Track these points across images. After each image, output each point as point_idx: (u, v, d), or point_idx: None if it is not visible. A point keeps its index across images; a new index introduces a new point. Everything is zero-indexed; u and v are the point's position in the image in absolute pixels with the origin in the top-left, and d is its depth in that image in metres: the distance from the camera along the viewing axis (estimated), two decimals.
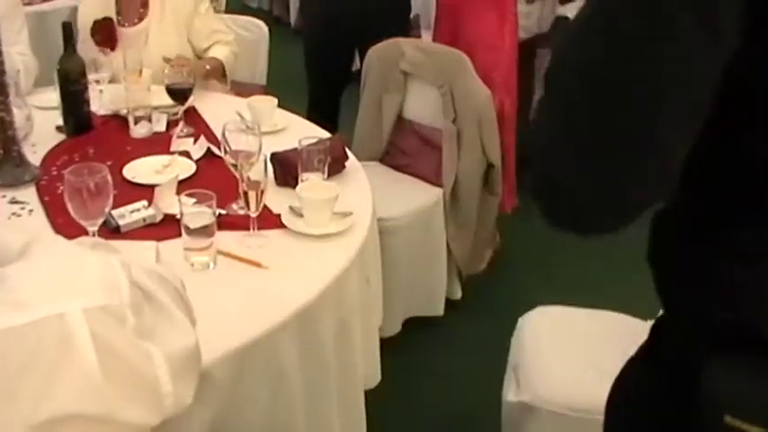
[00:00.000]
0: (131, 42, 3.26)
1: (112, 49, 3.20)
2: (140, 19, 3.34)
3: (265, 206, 2.12)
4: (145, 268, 1.18)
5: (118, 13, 3.33)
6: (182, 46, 3.34)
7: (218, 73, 3.38)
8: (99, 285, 0.97)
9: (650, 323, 2.49)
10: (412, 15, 4.53)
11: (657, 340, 1.31)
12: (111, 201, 1.94)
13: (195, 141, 2.68)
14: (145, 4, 3.34)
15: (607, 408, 1.40)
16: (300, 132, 2.61)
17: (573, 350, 2.38)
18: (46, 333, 0.88)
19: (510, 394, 2.31)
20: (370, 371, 2.31)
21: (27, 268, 0.96)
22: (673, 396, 1.11)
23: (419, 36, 5.13)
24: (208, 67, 3.29)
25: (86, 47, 3.16)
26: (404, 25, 4.05)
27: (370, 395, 2.26)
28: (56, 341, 0.88)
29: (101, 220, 1.96)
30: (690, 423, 1.02)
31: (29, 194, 2.34)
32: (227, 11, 5.06)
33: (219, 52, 3.39)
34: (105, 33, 3.22)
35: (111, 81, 3.03)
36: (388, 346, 2.57)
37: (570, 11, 4.19)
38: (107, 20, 3.26)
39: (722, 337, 1.02)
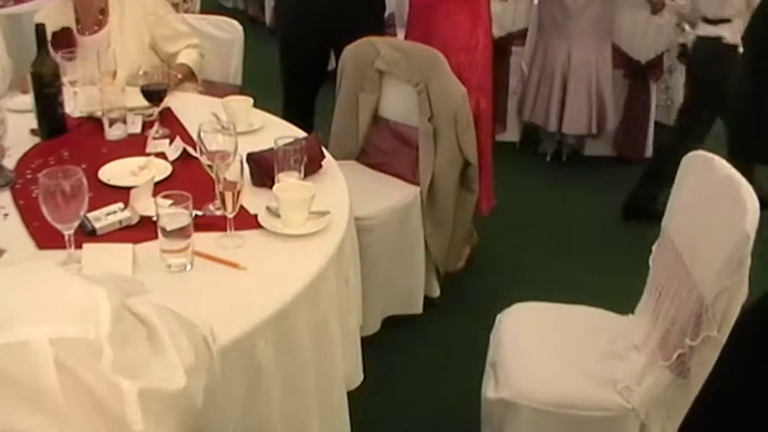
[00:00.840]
0: (91, 51, 3.14)
1: (73, 59, 3.07)
2: (99, 26, 3.32)
3: (242, 207, 2.11)
4: (157, 304, 1.17)
5: (77, 21, 3.32)
6: (143, 51, 3.34)
7: (188, 76, 3.41)
8: (74, 315, 0.93)
9: (628, 318, 2.52)
10: (387, 14, 4.53)
11: None
12: (86, 204, 1.92)
13: (171, 143, 2.67)
14: (103, 11, 3.33)
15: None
16: (276, 132, 2.60)
17: (551, 346, 2.39)
18: (11, 357, 0.86)
19: (489, 391, 2.32)
20: (351, 371, 2.32)
21: (5, 285, 0.94)
22: None
23: (394, 34, 5.14)
24: (180, 76, 3.30)
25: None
26: (379, 24, 4.05)
27: (350, 395, 2.26)
28: (20, 366, 0.86)
29: (76, 224, 1.94)
30: None
31: (4, 198, 2.33)
32: (203, 11, 5.06)
33: (187, 57, 3.41)
34: (64, 43, 3.19)
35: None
36: (368, 345, 2.57)
37: (722, 31, 4.11)
38: (65, 30, 3.25)
39: None
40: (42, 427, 0.82)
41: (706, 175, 2.16)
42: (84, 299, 0.95)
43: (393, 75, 3.39)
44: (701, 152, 2.25)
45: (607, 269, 3.83)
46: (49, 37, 3.06)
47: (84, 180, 1.90)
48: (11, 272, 0.96)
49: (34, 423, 0.82)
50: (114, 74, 2.92)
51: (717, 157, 2.16)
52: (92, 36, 3.31)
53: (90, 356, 0.89)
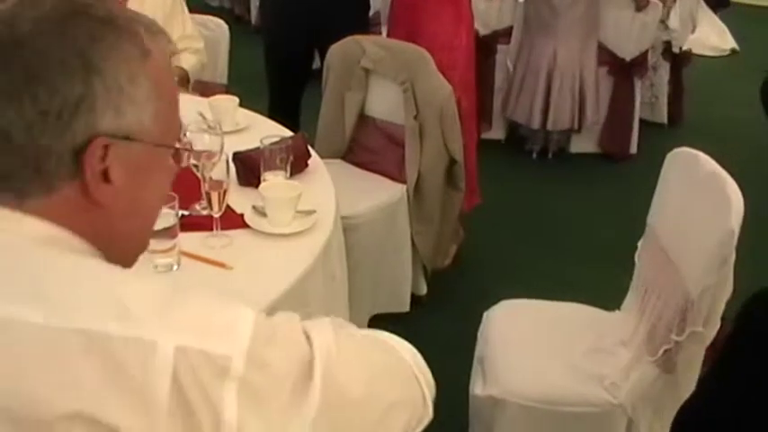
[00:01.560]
0: None
1: None
2: None
3: (228, 206, 2.11)
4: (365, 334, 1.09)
5: None
6: None
7: (183, 81, 3.40)
8: (210, 328, 0.86)
9: (615, 314, 2.53)
10: (372, 12, 4.53)
11: None
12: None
13: None
14: (122, 2, 3.33)
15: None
16: (262, 131, 2.60)
17: (538, 342, 2.40)
18: (132, 351, 0.83)
19: (477, 388, 2.33)
20: None
21: (154, 289, 0.89)
22: None
23: (380, 33, 5.13)
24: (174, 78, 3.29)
25: None
26: (364, 23, 4.05)
27: None
28: (137, 363, 0.83)
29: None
30: None
31: None
32: (189, 10, 5.03)
33: (186, 62, 3.43)
34: None
35: None
36: None
37: None
38: None
39: None
40: (132, 428, 0.81)
41: (691, 172, 2.17)
42: (228, 315, 0.89)
43: (379, 73, 3.39)
44: (684, 148, 2.26)
45: (593, 266, 3.84)
46: None
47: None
48: (167, 281, 0.93)
49: (126, 421, 0.80)
50: None
51: (701, 154, 2.17)
52: None
53: (211, 374, 0.83)
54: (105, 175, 0.91)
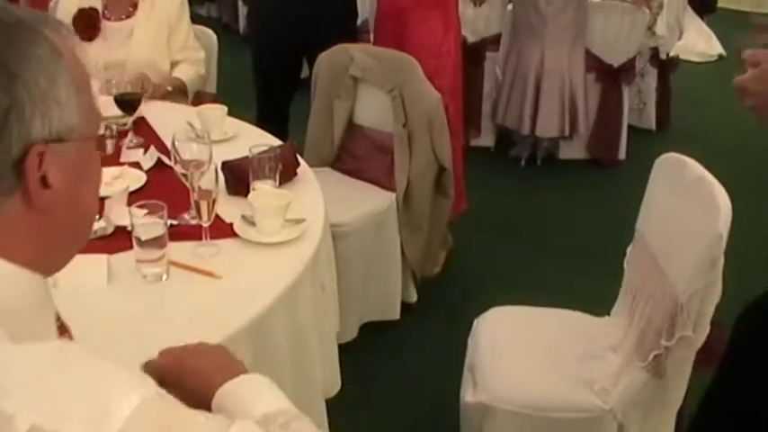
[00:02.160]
0: (113, 35, 3.35)
1: (91, 39, 3.29)
2: (127, 16, 3.41)
3: (217, 215, 2.11)
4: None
5: (105, 7, 3.39)
6: (158, 50, 3.40)
7: (180, 92, 3.43)
8: (78, 407, 0.79)
9: (604, 319, 2.54)
10: (360, 21, 4.53)
11: None
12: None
13: (145, 152, 2.66)
14: (134, 5, 3.41)
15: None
16: (251, 140, 2.60)
17: (529, 349, 2.40)
18: None
19: (468, 395, 2.33)
20: (329, 379, 2.31)
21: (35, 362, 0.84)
22: None
23: (368, 41, 5.13)
24: (169, 88, 3.36)
25: None
26: (351, 31, 4.05)
27: (328, 402, 2.26)
28: None
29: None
30: None
31: None
32: None
33: (184, 73, 3.45)
34: (88, 22, 3.31)
35: None
36: (346, 352, 2.57)
37: None
38: (92, 9, 3.34)
39: None
40: None
41: (679, 177, 2.17)
42: (104, 398, 0.80)
43: (367, 81, 3.40)
44: (672, 154, 2.26)
45: (583, 271, 3.85)
46: (70, 17, 3.28)
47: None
48: (60, 351, 0.86)
49: None
50: None
51: (689, 159, 2.18)
52: (117, 22, 3.40)
53: None
54: (44, 181, 0.91)
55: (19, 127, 0.88)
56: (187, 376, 1.19)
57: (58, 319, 1.06)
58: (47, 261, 0.98)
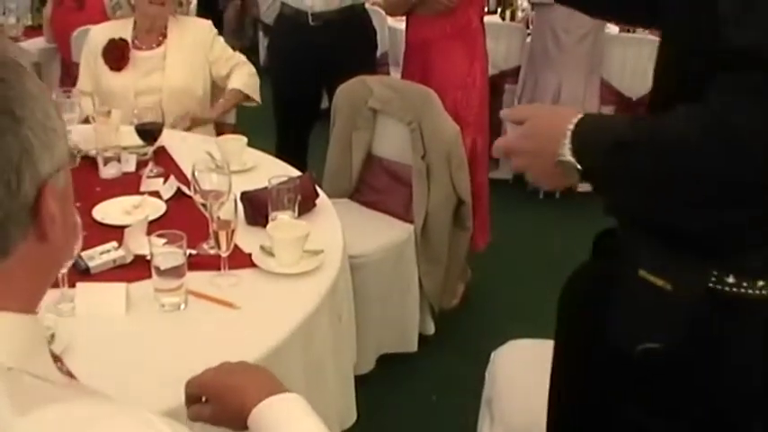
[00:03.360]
0: (143, 64, 3.44)
1: (120, 69, 3.40)
2: (158, 45, 3.49)
3: (236, 245, 2.11)
4: None
5: (135, 37, 3.48)
6: (192, 76, 3.49)
7: (240, 100, 3.57)
8: None
9: None
10: (380, 53, 4.56)
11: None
12: (80, 242, 1.92)
13: (165, 181, 2.67)
14: (164, 34, 3.49)
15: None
16: (270, 171, 2.61)
17: (546, 382, 2.38)
18: None
19: (485, 429, 2.31)
20: (345, 410, 2.30)
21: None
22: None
23: (388, 73, 5.17)
24: (214, 115, 3.53)
25: (86, 71, 3.50)
26: (371, 63, 4.08)
27: None
28: None
29: (70, 262, 1.94)
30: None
31: None
32: None
33: (238, 81, 3.54)
34: (118, 53, 3.41)
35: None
36: (363, 384, 2.56)
37: None
38: (122, 40, 3.43)
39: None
40: None
41: None
42: None
43: (386, 113, 3.41)
44: None
45: None
46: (100, 48, 3.41)
47: (79, 219, 1.90)
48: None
49: None
50: (109, 112, 2.94)
51: None
52: (148, 51, 3.48)
53: None
54: (52, 216, 0.89)
55: (31, 172, 0.86)
56: (225, 393, 1.20)
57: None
58: (40, 294, 0.95)
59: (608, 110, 5.09)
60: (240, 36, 8.23)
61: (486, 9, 4.49)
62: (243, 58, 3.65)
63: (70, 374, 1.06)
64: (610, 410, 1.56)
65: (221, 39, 3.64)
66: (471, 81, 3.67)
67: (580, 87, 4.91)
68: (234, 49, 3.67)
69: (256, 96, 3.59)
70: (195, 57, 3.50)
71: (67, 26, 4.76)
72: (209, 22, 3.64)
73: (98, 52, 3.43)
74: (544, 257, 4.41)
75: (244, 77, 3.55)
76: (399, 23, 4.71)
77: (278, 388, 1.18)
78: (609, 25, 5.14)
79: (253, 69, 3.62)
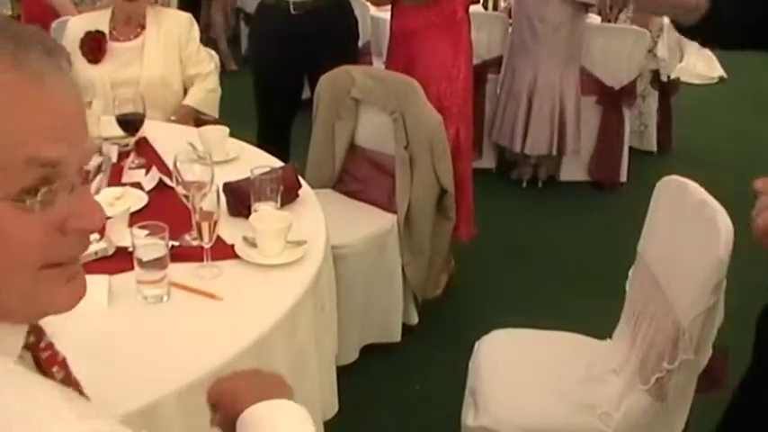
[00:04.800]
0: (121, 55, 3.43)
1: (97, 61, 3.39)
2: (136, 36, 3.48)
3: (218, 237, 2.10)
4: None
5: (113, 28, 3.47)
6: (169, 68, 3.49)
7: (194, 116, 3.54)
8: None
9: (606, 342, 2.53)
10: (362, 43, 4.54)
11: None
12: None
13: (147, 172, 2.66)
14: (142, 25, 3.48)
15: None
16: (252, 161, 2.60)
17: (530, 372, 2.39)
18: None
19: (469, 418, 2.31)
20: (327, 400, 2.30)
21: None
22: None
23: (370, 63, 5.16)
24: (173, 118, 3.47)
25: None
26: (353, 53, 4.07)
27: (327, 425, 2.25)
28: None
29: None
30: None
31: None
32: None
33: (194, 95, 3.55)
34: (94, 45, 3.40)
35: None
36: (346, 374, 2.56)
37: None
38: (99, 32, 3.42)
39: None
40: None
41: (680, 200, 2.17)
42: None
43: (369, 103, 3.40)
44: (674, 176, 2.26)
45: (584, 294, 3.84)
46: (77, 40, 3.39)
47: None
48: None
49: None
50: (90, 103, 2.92)
51: (690, 182, 2.18)
52: (126, 42, 3.47)
53: None
54: None
55: None
56: (222, 398, 1.21)
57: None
58: None
59: (589, 100, 5.10)
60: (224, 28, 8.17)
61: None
62: (211, 66, 3.64)
63: (69, 375, 1.04)
64: None
65: (197, 36, 3.61)
66: (456, 72, 3.67)
67: (556, 77, 4.91)
68: (217, 41, 3.67)
69: (214, 113, 3.60)
70: (172, 49, 3.50)
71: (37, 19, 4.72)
72: (188, 15, 3.62)
73: (76, 44, 3.40)
74: (527, 247, 4.43)
75: (201, 93, 3.56)
76: (383, 13, 4.70)
77: (277, 393, 1.16)
78: (590, 15, 5.16)
79: (214, 84, 3.63)
